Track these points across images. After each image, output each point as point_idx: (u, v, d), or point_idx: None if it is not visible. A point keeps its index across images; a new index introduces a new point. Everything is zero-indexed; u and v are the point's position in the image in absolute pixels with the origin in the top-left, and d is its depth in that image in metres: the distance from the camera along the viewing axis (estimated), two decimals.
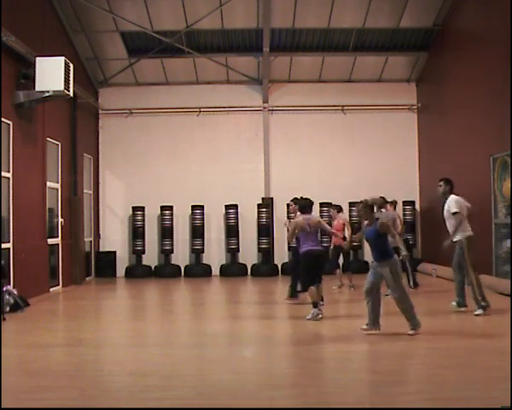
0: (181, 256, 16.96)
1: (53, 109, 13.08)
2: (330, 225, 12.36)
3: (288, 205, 11.60)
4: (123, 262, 16.85)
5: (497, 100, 12.07)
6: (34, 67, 11.22)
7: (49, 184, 13.09)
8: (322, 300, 9.47)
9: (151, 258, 16.92)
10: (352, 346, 7.31)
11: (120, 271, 16.69)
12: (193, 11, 14.79)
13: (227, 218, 16.77)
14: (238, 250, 16.74)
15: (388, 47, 16.26)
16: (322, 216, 16.55)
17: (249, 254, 16.96)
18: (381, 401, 5.04)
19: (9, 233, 10.89)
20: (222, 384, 5.61)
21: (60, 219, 13.78)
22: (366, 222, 7.86)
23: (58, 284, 13.60)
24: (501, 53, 11.74)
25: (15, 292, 10.18)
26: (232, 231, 16.66)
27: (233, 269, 16.53)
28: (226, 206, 16.75)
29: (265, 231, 16.61)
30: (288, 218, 12.24)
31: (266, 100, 17.11)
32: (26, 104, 11.52)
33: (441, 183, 9.38)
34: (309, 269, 8.97)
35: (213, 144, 17.13)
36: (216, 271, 16.65)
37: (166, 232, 16.62)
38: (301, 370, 6.30)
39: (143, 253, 16.71)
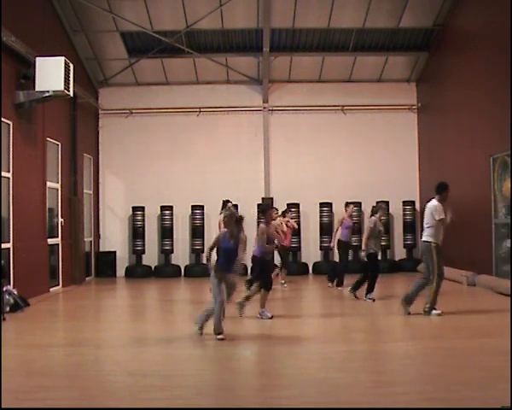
0: (181, 256, 16.96)
1: (53, 109, 13.09)
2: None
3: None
4: (123, 262, 16.85)
5: (497, 100, 12.07)
6: (34, 67, 11.23)
7: (49, 184, 13.09)
8: None
9: (151, 258, 16.92)
10: (351, 346, 7.31)
11: (120, 271, 16.69)
12: (193, 11, 14.79)
13: None
14: None
15: (388, 47, 16.26)
16: (321, 216, 16.66)
17: (249, 254, 16.89)
18: (381, 401, 5.04)
19: (9, 233, 10.90)
20: (222, 384, 5.61)
21: (60, 219, 13.78)
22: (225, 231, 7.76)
23: (58, 284, 13.60)
24: (501, 53, 11.75)
25: (15, 292, 10.18)
26: None
27: None
28: None
29: None
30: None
31: (266, 100, 17.11)
32: (26, 104, 11.52)
33: None
34: None
35: (213, 144, 17.13)
36: None
37: (166, 232, 16.62)
38: (301, 370, 6.29)
39: (143, 253, 16.71)
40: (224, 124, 17.18)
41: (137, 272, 16.50)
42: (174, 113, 17.04)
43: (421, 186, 17.13)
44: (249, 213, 16.78)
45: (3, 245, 10.35)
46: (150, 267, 16.72)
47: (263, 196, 16.99)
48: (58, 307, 11.66)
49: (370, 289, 10.81)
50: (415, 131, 17.33)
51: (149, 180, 17.00)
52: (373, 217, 10.88)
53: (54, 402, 5.07)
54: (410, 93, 17.33)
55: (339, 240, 12.83)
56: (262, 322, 8.92)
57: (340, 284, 12.71)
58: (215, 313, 7.52)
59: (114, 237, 17.08)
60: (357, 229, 15.45)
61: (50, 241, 13.12)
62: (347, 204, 13.00)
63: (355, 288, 11.10)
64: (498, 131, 11.94)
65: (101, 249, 17.00)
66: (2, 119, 10.72)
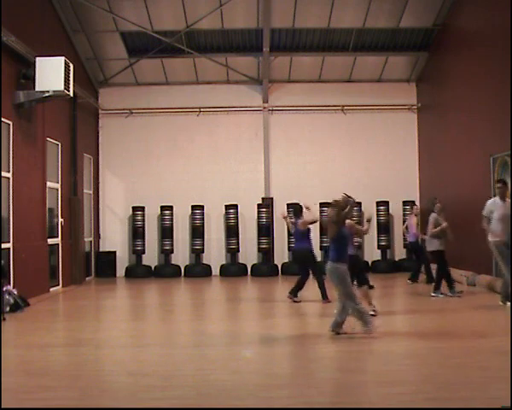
0: (181, 256, 16.97)
1: (53, 109, 13.09)
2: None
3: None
4: (123, 262, 16.86)
5: (497, 100, 12.07)
6: (34, 67, 11.23)
7: (49, 184, 13.09)
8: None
9: (151, 258, 16.92)
10: (351, 346, 7.30)
11: (120, 271, 16.70)
12: (193, 11, 14.79)
13: (227, 218, 16.77)
14: (238, 250, 16.74)
15: (388, 47, 16.26)
16: (321, 216, 16.60)
17: (249, 254, 16.96)
18: (381, 400, 5.04)
19: (9, 233, 10.90)
20: (222, 384, 5.61)
21: (60, 219, 13.78)
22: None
23: (58, 284, 13.60)
24: (501, 53, 11.74)
25: (15, 292, 10.18)
26: (232, 231, 16.66)
27: (233, 269, 16.53)
28: (226, 206, 16.75)
29: (265, 231, 16.61)
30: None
31: (266, 100, 17.11)
32: (26, 104, 11.52)
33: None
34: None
35: (213, 144, 17.13)
36: (216, 271, 16.65)
37: (166, 232, 16.62)
38: (301, 370, 6.30)
39: (143, 253, 16.72)
40: (224, 124, 17.18)
41: (137, 272, 16.50)
42: (174, 113, 17.04)
43: (421, 186, 17.13)
44: (249, 213, 16.93)
45: (3, 245, 10.34)
46: (150, 267, 16.72)
47: (263, 196, 17.01)
48: (58, 307, 11.66)
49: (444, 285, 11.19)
50: (415, 131, 17.32)
51: (149, 180, 17.00)
52: (433, 213, 11.15)
53: (54, 402, 5.07)
54: (410, 93, 17.33)
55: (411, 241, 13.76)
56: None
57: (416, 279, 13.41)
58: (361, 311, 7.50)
59: (114, 237, 17.09)
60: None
61: (50, 241, 13.12)
62: (414, 204, 14.24)
63: (437, 286, 11.19)
64: (498, 131, 11.93)
65: (101, 249, 17.00)
66: (2, 119, 10.72)
